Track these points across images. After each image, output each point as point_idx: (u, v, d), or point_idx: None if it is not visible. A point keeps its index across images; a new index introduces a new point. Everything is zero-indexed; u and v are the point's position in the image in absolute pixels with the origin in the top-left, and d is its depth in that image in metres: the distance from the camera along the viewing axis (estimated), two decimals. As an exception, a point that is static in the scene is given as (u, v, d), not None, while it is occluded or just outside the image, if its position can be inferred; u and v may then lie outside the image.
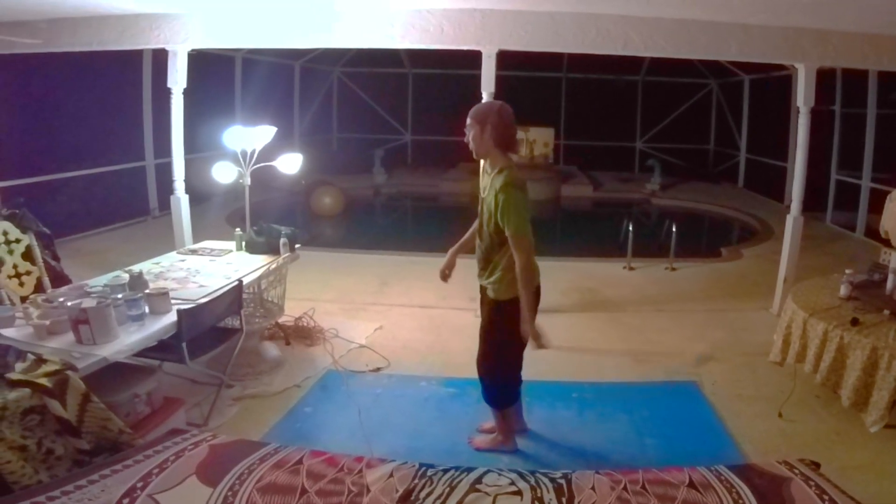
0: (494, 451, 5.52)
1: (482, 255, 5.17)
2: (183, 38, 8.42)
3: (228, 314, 6.09)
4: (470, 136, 5.02)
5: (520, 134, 20.42)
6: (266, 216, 8.88)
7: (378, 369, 7.11)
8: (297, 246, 7.42)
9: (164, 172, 11.08)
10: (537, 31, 8.01)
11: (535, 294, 5.06)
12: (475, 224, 5.40)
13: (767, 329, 7.59)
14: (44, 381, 3.95)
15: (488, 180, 5.07)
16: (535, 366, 5.87)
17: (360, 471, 3.91)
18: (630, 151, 23.78)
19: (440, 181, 20.35)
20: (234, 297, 6.01)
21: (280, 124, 8.41)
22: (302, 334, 7.83)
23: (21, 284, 6.82)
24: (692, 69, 20.78)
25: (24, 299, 6.23)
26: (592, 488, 3.82)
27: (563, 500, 3.73)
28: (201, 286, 6.12)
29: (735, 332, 8.28)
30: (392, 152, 23.07)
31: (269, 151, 7.63)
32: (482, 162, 5.28)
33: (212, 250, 7.44)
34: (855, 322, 5.73)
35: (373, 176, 20.62)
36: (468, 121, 5.04)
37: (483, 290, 5.29)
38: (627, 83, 23.22)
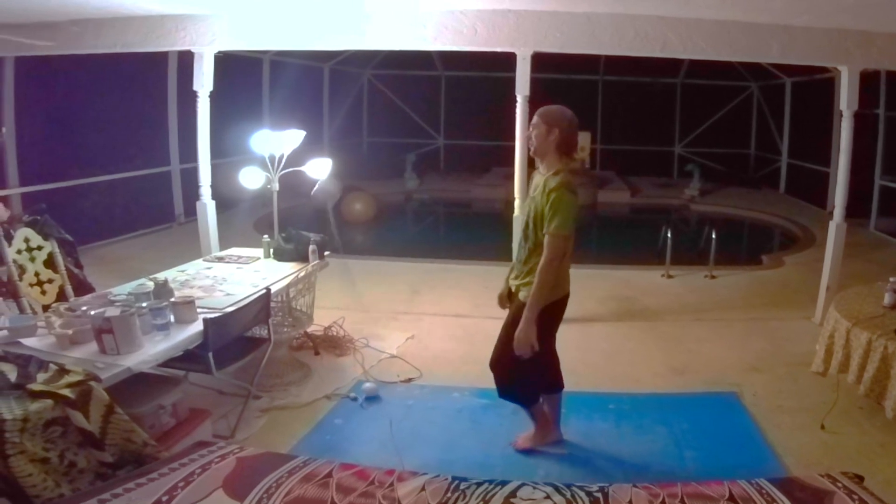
0: (542, 448, 5.66)
1: (523, 256, 5.22)
2: (209, 39, 8.46)
3: (256, 323, 6.09)
4: (534, 133, 5.13)
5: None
6: (294, 222, 8.89)
7: (410, 380, 7.10)
8: (326, 253, 7.43)
9: (190, 178, 11.12)
10: (573, 33, 7.99)
11: (563, 301, 5.21)
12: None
13: (809, 339, 7.51)
14: (66, 391, 3.96)
15: (540, 180, 5.13)
16: (571, 377, 5.90)
17: (392, 484, 3.89)
18: (668, 156, 23.63)
19: (473, 186, 20.33)
20: (262, 305, 6.01)
21: (309, 128, 8.42)
22: (331, 344, 7.82)
23: (43, 293, 6.85)
24: (732, 72, 20.58)
25: (46, 308, 6.27)
26: (630, 502, 3.79)
27: (601, 514, 3.71)
28: (228, 294, 6.12)
29: (776, 341, 8.20)
30: (424, 157, 23.12)
31: (298, 156, 7.65)
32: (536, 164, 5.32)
33: (239, 258, 7.47)
34: (899, 331, 5.67)
35: (404, 181, 20.64)
36: (535, 119, 5.16)
37: (513, 292, 5.34)
38: (666, 86, 23.07)
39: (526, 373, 5.24)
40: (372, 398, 6.64)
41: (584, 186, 18.66)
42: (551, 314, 5.14)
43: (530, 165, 5.64)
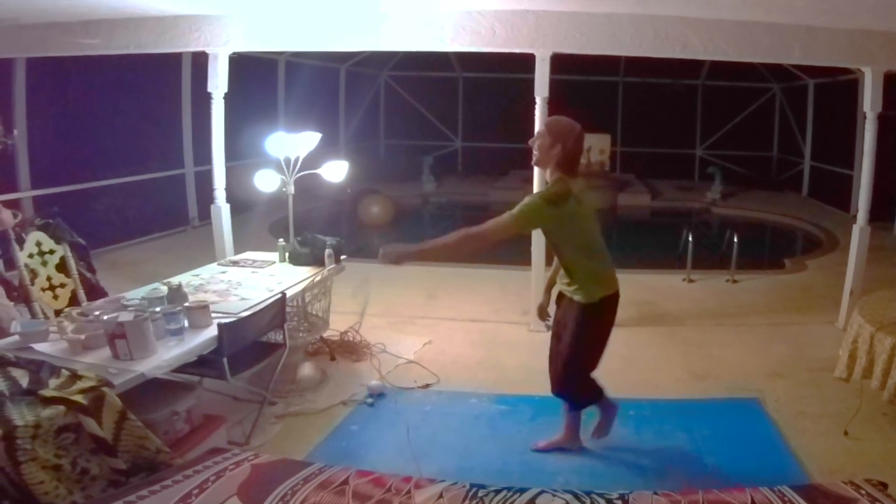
0: (560, 450, 5.76)
1: (563, 266, 5.42)
2: (224, 40, 8.47)
3: (271, 328, 6.10)
4: (537, 143, 5.23)
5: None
6: (310, 226, 8.89)
7: (427, 386, 7.11)
8: (342, 257, 7.43)
9: (205, 181, 11.12)
10: (593, 33, 7.97)
11: (613, 301, 5.41)
12: None
13: (833, 344, 7.44)
14: (79, 398, 3.97)
15: None
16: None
17: (409, 491, 3.88)
18: (690, 158, 23.59)
19: (492, 190, 20.22)
20: (277, 310, 6.02)
21: (325, 130, 8.43)
22: (348, 349, 7.84)
23: (55, 297, 6.87)
24: (754, 73, 20.59)
25: (58, 313, 6.27)
26: (651, 510, 3.78)
27: (621, 522, 3.69)
28: (243, 299, 6.14)
29: (799, 346, 8.17)
30: (441, 159, 23.14)
31: (314, 159, 7.65)
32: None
33: (254, 262, 7.48)
34: (924, 337, 5.64)
35: (421, 184, 20.68)
36: (542, 129, 5.27)
37: (566, 296, 5.48)
38: (687, 87, 23.02)
39: (590, 368, 5.47)
40: (379, 396, 6.75)
41: (603, 189, 18.70)
42: (608, 311, 5.38)
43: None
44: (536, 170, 8.16)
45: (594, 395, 5.65)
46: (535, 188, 8.31)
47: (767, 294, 10.39)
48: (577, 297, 5.30)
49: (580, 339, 5.34)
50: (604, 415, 5.84)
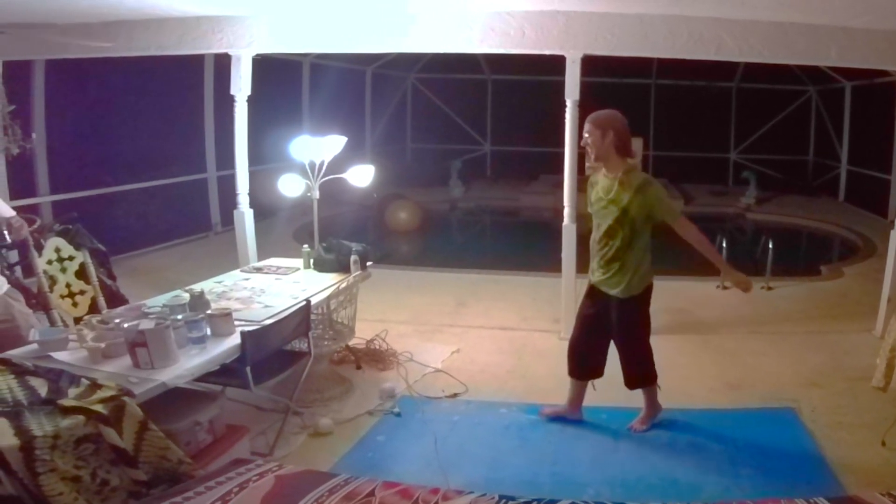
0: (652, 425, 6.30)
1: (610, 257, 5.86)
2: (247, 41, 8.50)
3: (295, 336, 6.09)
4: (590, 140, 5.65)
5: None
6: (336, 232, 8.90)
7: (455, 395, 7.09)
8: (368, 263, 7.43)
9: (227, 185, 11.15)
10: (625, 35, 7.95)
11: (650, 290, 6.03)
12: (595, 234, 6.03)
13: (870, 352, 7.38)
14: (99, 407, 3.98)
15: (609, 183, 5.73)
16: (621, 391, 6.15)
17: (437, 503, 3.88)
18: (724, 163, 23.37)
19: (521, 194, 20.29)
20: (302, 318, 6.02)
21: (350, 134, 8.41)
22: (374, 358, 7.83)
23: (74, 305, 6.91)
24: (790, 75, 20.40)
25: (77, 320, 6.31)
26: (684, 523, 3.77)
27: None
28: (267, 307, 6.14)
29: (835, 355, 8.10)
30: (470, 164, 22.99)
31: (339, 163, 7.66)
32: (591, 171, 6.03)
33: (278, 268, 7.49)
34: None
35: (449, 189, 20.57)
36: (587, 126, 5.68)
37: (601, 293, 6.01)
38: (721, 90, 22.82)
39: (643, 353, 6.15)
40: (397, 400, 6.82)
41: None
42: (646, 300, 6.04)
43: (580, 172, 5.88)
44: (567, 174, 8.16)
45: (654, 375, 6.25)
46: (567, 193, 8.29)
47: (803, 301, 10.32)
48: (617, 293, 5.85)
49: (632, 332, 6.07)
50: (647, 407, 6.30)
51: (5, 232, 6.23)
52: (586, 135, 5.67)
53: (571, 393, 6.38)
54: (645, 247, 5.89)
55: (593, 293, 6.08)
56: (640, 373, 6.18)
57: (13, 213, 6.08)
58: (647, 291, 5.98)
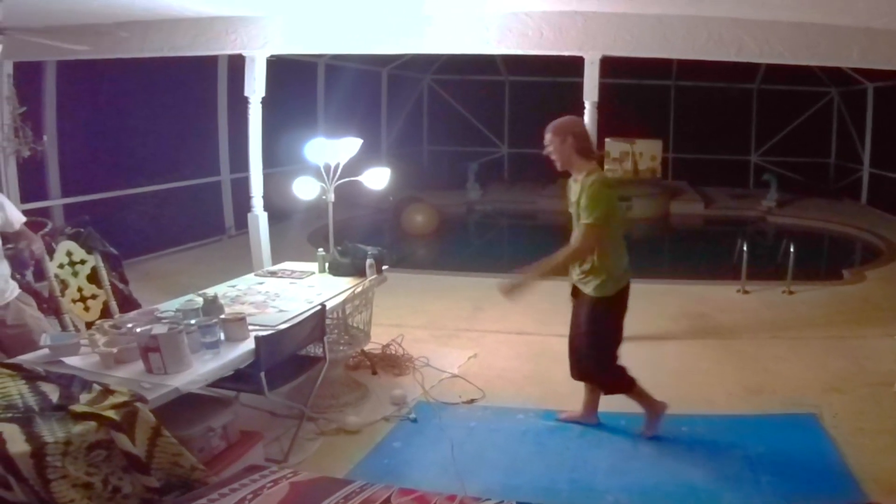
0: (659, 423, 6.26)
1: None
2: (261, 42, 8.52)
3: (310, 341, 6.09)
4: (551, 149, 5.85)
5: (625, 146, 20.66)
6: (351, 235, 8.90)
7: (472, 401, 7.07)
8: (384, 267, 7.42)
9: (241, 188, 11.18)
10: (643, 36, 7.95)
11: (626, 290, 5.98)
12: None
13: (893, 357, 7.45)
14: (111, 413, 3.97)
15: (577, 186, 5.84)
16: None
17: (454, 512, 3.87)
18: (744, 165, 23.34)
19: (539, 197, 20.15)
20: (317, 323, 6.01)
21: (366, 136, 8.42)
22: (390, 363, 7.82)
23: (86, 309, 6.92)
24: (811, 76, 20.33)
25: (89, 325, 6.31)
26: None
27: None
28: (281, 311, 6.14)
29: (858, 360, 8.03)
30: (487, 166, 23.05)
31: (355, 165, 7.65)
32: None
33: (292, 272, 7.49)
34: None
35: (466, 192, 20.62)
36: (547, 136, 5.85)
37: (579, 291, 6.10)
38: (741, 92, 22.76)
39: (611, 357, 6.05)
40: (404, 404, 6.84)
41: (654, 197, 18.61)
42: (619, 303, 5.95)
43: (568, 176, 5.92)
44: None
45: (622, 383, 6.10)
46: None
47: (825, 306, 10.26)
48: (589, 291, 5.89)
49: (596, 332, 5.97)
50: (646, 412, 6.24)
51: (26, 256, 6.20)
52: (547, 144, 5.86)
53: (585, 398, 6.44)
54: (616, 247, 5.92)
55: (575, 292, 6.21)
56: (586, 371, 6.23)
57: (23, 217, 6.08)
58: (622, 295, 5.96)
